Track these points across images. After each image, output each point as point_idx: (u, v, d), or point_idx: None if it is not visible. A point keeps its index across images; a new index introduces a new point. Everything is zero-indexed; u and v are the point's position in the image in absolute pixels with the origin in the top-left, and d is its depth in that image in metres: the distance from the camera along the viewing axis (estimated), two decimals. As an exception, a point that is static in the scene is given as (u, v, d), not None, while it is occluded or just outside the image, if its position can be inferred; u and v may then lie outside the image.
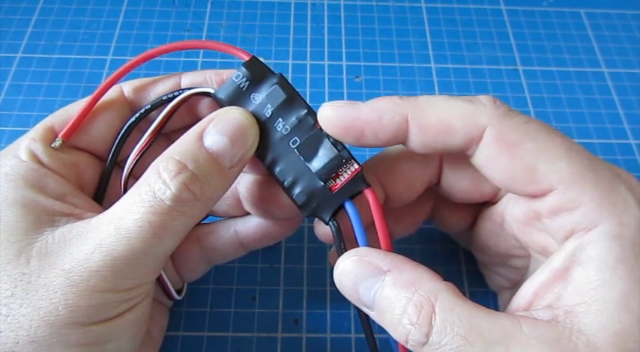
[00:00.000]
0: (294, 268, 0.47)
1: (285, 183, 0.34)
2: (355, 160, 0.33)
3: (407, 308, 0.29)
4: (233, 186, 0.37)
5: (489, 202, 0.39)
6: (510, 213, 0.37)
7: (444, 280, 0.30)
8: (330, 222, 0.33)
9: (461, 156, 0.34)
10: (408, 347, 0.29)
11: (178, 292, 0.42)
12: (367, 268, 0.31)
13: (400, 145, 0.34)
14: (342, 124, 0.33)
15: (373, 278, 0.31)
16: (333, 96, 0.58)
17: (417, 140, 0.33)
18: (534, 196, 0.32)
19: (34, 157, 0.33)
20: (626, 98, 0.59)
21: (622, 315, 0.28)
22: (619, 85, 0.60)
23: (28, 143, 0.34)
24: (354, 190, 0.33)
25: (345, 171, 0.33)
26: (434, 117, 0.32)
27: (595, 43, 0.64)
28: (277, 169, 0.34)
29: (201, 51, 0.60)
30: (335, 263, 0.33)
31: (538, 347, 0.27)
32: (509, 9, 0.67)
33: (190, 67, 0.59)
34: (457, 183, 0.38)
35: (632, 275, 0.29)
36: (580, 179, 0.31)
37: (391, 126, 0.33)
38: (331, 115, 0.33)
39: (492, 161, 0.32)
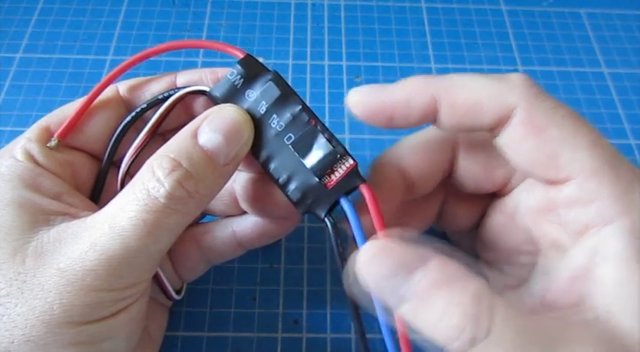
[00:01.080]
0: (294, 268, 0.47)
1: (280, 180, 0.34)
2: (350, 155, 0.33)
3: (447, 310, 0.27)
4: (229, 184, 0.37)
5: (499, 194, 0.39)
6: (525, 202, 0.36)
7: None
8: (326, 219, 0.33)
9: (474, 144, 0.34)
10: (456, 345, 0.27)
11: (177, 292, 0.42)
12: (395, 263, 0.29)
13: (417, 134, 0.35)
14: (371, 108, 0.33)
15: (403, 276, 0.28)
16: (333, 97, 0.58)
17: (446, 119, 0.33)
18: (552, 183, 0.32)
19: (30, 157, 0.33)
20: (626, 98, 0.59)
21: None
22: (619, 85, 0.60)
23: (24, 143, 0.34)
24: (349, 186, 0.33)
25: (340, 167, 0.33)
26: (463, 96, 0.32)
27: (595, 43, 0.64)
28: (272, 166, 0.34)
29: (201, 51, 0.60)
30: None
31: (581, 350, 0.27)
32: (509, 9, 0.67)
33: (190, 66, 0.59)
34: (470, 171, 0.38)
35: None
36: (600, 173, 0.30)
37: (421, 107, 0.33)
38: (360, 99, 0.33)
39: (517, 143, 0.32)
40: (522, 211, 0.37)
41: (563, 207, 0.32)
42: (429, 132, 0.37)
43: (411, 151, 0.37)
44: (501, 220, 0.39)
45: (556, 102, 0.32)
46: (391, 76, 0.60)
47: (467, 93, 0.32)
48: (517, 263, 0.39)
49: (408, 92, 0.33)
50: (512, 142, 0.32)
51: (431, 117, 0.33)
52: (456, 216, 0.42)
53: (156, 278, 0.39)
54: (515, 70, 0.61)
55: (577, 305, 0.30)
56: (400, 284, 0.28)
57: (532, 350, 0.27)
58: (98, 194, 0.37)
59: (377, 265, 0.29)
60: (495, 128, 0.33)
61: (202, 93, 0.35)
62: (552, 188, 0.33)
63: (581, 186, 0.31)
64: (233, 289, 0.46)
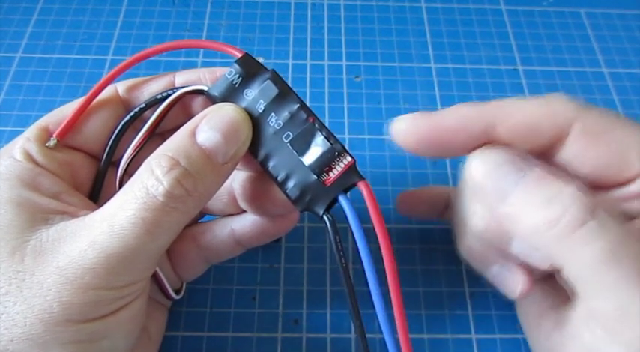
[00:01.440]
0: (294, 268, 0.47)
1: (279, 178, 0.34)
2: (348, 153, 0.33)
3: (564, 189, 0.30)
4: (228, 183, 0.37)
5: None
6: None
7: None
8: (325, 216, 0.33)
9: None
10: (553, 231, 0.29)
11: (177, 292, 0.42)
12: (517, 154, 0.32)
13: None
14: (422, 136, 0.33)
15: (522, 164, 0.31)
16: (333, 96, 0.58)
17: (505, 143, 0.33)
18: (621, 183, 0.33)
19: (29, 157, 0.34)
20: (626, 98, 0.59)
21: None
22: (619, 85, 0.60)
23: (23, 143, 0.34)
24: (347, 183, 0.33)
25: (338, 164, 0.33)
26: (521, 119, 0.33)
27: (595, 43, 0.64)
28: (270, 164, 0.34)
29: (201, 51, 0.60)
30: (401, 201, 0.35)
31: None
32: (509, 9, 0.67)
33: (190, 66, 0.58)
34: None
35: None
36: None
37: (479, 133, 0.33)
38: (408, 127, 0.33)
39: (582, 154, 0.33)
40: None
41: (635, 198, 0.33)
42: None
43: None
44: None
45: (602, 109, 0.34)
46: (391, 75, 0.60)
47: (523, 117, 0.33)
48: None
49: (463, 119, 0.33)
50: (577, 154, 0.33)
51: (483, 142, 0.34)
52: None
53: (155, 278, 0.39)
54: (515, 70, 0.61)
55: None
56: (519, 169, 0.31)
57: (634, 236, 0.29)
58: (97, 193, 0.37)
59: (497, 153, 0.32)
60: (553, 146, 0.33)
61: (201, 92, 0.36)
62: (618, 188, 0.33)
63: None
64: (233, 289, 0.46)
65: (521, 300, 0.42)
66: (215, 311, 0.45)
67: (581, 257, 0.29)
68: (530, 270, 0.35)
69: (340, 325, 0.44)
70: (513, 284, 0.40)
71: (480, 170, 0.32)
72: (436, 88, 0.59)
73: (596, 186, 0.34)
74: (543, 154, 0.34)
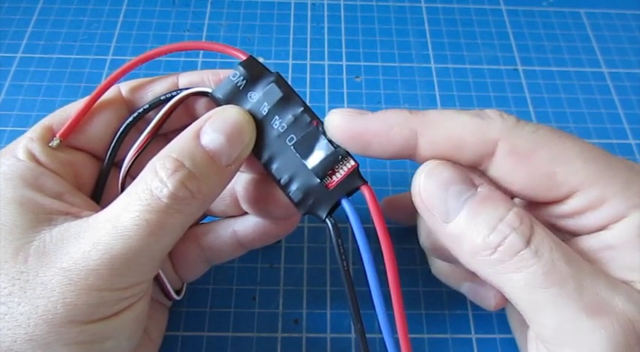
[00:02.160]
0: (294, 268, 0.47)
1: (282, 181, 0.34)
2: (351, 157, 0.33)
3: (506, 215, 0.29)
4: (231, 185, 0.37)
5: None
6: None
7: None
8: (327, 219, 0.33)
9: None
10: (493, 256, 0.29)
11: (177, 292, 0.42)
12: (462, 174, 0.31)
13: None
14: (349, 133, 0.33)
15: (466, 185, 0.31)
16: (333, 96, 0.58)
17: (426, 155, 0.33)
18: (555, 202, 0.33)
19: (32, 157, 0.34)
20: (626, 98, 0.59)
21: None
22: (619, 85, 0.60)
23: (26, 142, 0.34)
24: (350, 187, 0.33)
25: (342, 168, 0.33)
26: (444, 134, 0.32)
27: (595, 43, 0.64)
28: (274, 167, 0.34)
29: (201, 51, 0.60)
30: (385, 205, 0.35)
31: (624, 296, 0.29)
32: (509, 9, 0.67)
33: (190, 67, 0.59)
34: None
35: None
36: (599, 177, 0.31)
37: (399, 140, 0.32)
38: (339, 123, 0.33)
39: (510, 173, 0.32)
40: None
41: (570, 217, 0.32)
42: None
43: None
44: None
45: (535, 125, 0.32)
46: (391, 75, 0.60)
47: (447, 131, 0.32)
48: None
49: (389, 123, 0.33)
50: (504, 173, 0.32)
51: (409, 152, 0.33)
52: None
53: (156, 279, 0.39)
54: (515, 70, 0.61)
55: None
56: (464, 190, 0.31)
57: (571, 265, 0.29)
58: (99, 194, 0.37)
59: (445, 170, 0.31)
60: (480, 164, 0.33)
61: (204, 94, 0.36)
62: (553, 205, 0.33)
63: (586, 195, 0.31)
64: (233, 289, 0.46)
65: (509, 306, 0.42)
66: (215, 311, 0.45)
67: (516, 282, 0.29)
68: None
69: (340, 325, 0.44)
70: (487, 299, 0.40)
71: (425, 188, 0.31)
72: (436, 88, 0.59)
73: (532, 203, 0.34)
74: (471, 169, 0.34)
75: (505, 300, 0.38)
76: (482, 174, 0.33)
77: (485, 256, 0.29)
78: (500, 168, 0.32)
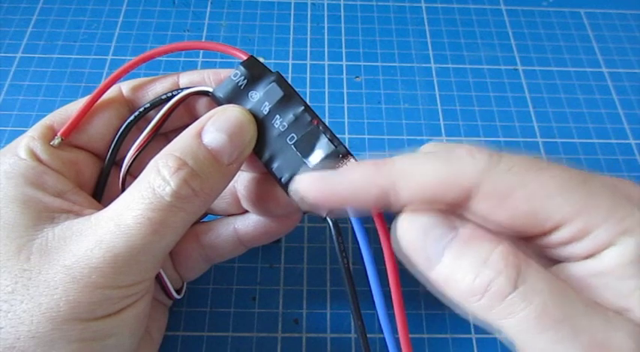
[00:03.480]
0: (294, 268, 0.47)
1: (283, 180, 0.34)
2: (352, 155, 0.33)
3: (490, 256, 0.28)
4: (231, 184, 0.37)
5: None
6: None
7: None
8: (328, 218, 0.33)
9: None
10: (481, 302, 0.28)
11: (178, 291, 0.42)
12: (441, 217, 0.30)
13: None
14: (320, 199, 0.32)
15: (446, 228, 0.30)
16: (333, 96, 0.58)
17: (400, 208, 0.32)
18: (539, 236, 0.32)
19: (34, 155, 0.34)
20: (626, 98, 0.59)
21: None
22: (619, 85, 0.60)
23: (28, 141, 0.34)
24: None
25: (342, 167, 0.33)
26: (415, 186, 0.31)
27: (595, 43, 0.64)
28: (274, 166, 0.34)
29: (201, 51, 0.60)
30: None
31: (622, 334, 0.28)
32: (509, 9, 0.67)
33: (190, 66, 0.59)
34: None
35: None
36: (581, 208, 0.30)
37: (370, 199, 0.31)
38: (309, 188, 0.32)
39: (490, 215, 0.31)
40: None
41: (556, 247, 0.32)
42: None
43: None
44: None
45: (510, 161, 0.31)
46: (391, 75, 0.60)
47: (417, 184, 0.31)
48: None
49: (355, 183, 0.31)
50: (485, 215, 0.32)
51: (385, 205, 0.32)
52: None
53: (157, 277, 0.39)
54: (515, 70, 0.61)
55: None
56: (444, 234, 0.30)
57: (569, 305, 0.28)
58: (100, 192, 0.37)
59: (421, 218, 0.30)
60: (458, 208, 0.31)
61: (205, 93, 0.36)
62: (539, 238, 0.32)
63: (570, 228, 0.30)
64: (233, 289, 0.46)
65: None
66: (215, 311, 0.45)
67: (510, 326, 0.29)
68: None
69: (340, 325, 0.44)
70: None
71: (404, 235, 0.30)
72: (436, 88, 0.59)
73: (517, 237, 0.33)
74: (451, 211, 0.33)
75: None
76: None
77: (474, 302, 0.29)
78: (480, 210, 0.31)
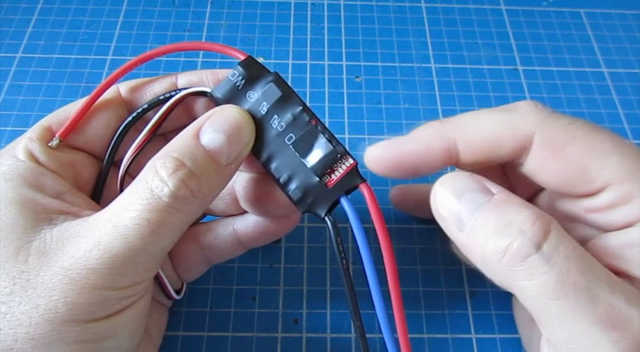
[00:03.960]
0: (294, 268, 0.47)
1: (281, 180, 0.34)
2: (350, 155, 0.33)
3: (517, 217, 0.29)
4: (230, 184, 0.37)
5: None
6: (551, 211, 0.36)
7: None
8: (326, 218, 0.33)
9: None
10: (502, 262, 0.29)
11: (177, 292, 0.42)
12: (475, 182, 0.31)
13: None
14: (391, 164, 0.34)
15: (481, 193, 0.31)
16: (333, 96, 0.58)
17: (467, 159, 0.34)
18: (587, 195, 0.33)
19: (32, 156, 0.34)
20: (626, 98, 0.59)
21: None
22: (619, 85, 0.60)
23: (26, 142, 0.34)
24: (349, 185, 0.33)
25: (341, 166, 0.33)
26: (480, 135, 0.33)
27: (595, 43, 0.64)
28: (273, 166, 0.34)
29: (201, 51, 0.60)
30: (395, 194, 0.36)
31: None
32: (509, 9, 0.67)
33: (190, 66, 0.59)
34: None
35: None
36: (632, 173, 0.31)
37: (441, 154, 0.33)
38: (379, 155, 0.34)
39: (543, 167, 0.32)
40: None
41: (601, 211, 0.32)
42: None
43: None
44: None
45: (570, 118, 0.33)
46: (391, 75, 0.60)
47: (482, 132, 0.33)
48: None
49: (425, 142, 0.34)
50: (538, 167, 0.33)
51: (453, 160, 0.34)
52: None
53: (156, 278, 0.39)
54: (515, 70, 0.61)
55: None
56: (478, 197, 0.30)
57: (592, 278, 0.28)
58: (99, 193, 0.37)
59: (459, 180, 0.31)
60: (518, 158, 0.33)
61: (203, 94, 0.36)
62: (584, 199, 0.33)
63: (618, 189, 0.31)
64: (233, 289, 0.46)
65: (515, 302, 0.42)
66: (215, 311, 0.45)
67: (528, 290, 0.29)
68: None
69: (340, 325, 0.44)
70: None
71: (439, 197, 0.32)
72: (436, 88, 0.59)
73: (564, 195, 0.35)
74: (509, 165, 0.34)
75: None
76: (511, 173, 0.33)
77: (495, 262, 0.29)
78: (535, 161, 0.33)
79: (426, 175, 0.35)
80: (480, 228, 0.30)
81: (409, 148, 0.34)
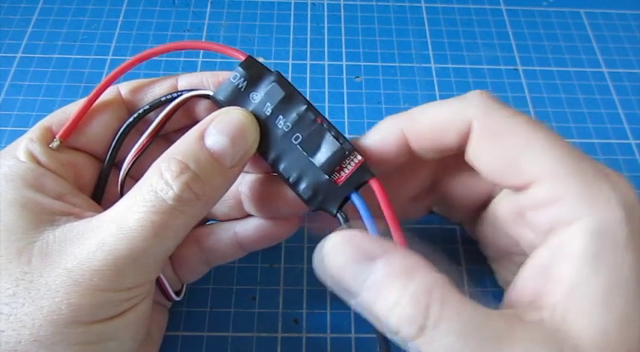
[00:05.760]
0: (294, 268, 0.47)
1: (291, 180, 0.34)
2: (358, 152, 0.34)
3: (401, 298, 0.28)
4: (233, 187, 0.37)
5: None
6: (500, 209, 0.38)
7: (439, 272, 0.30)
8: (338, 214, 0.34)
9: (454, 166, 0.36)
10: (397, 338, 0.29)
11: (177, 293, 0.42)
12: (359, 252, 0.30)
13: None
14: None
15: (365, 264, 0.29)
16: (333, 96, 0.58)
17: (415, 146, 0.34)
18: (518, 189, 0.33)
19: (32, 157, 0.34)
20: (626, 98, 0.59)
21: (603, 314, 0.28)
22: (619, 85, 0.60)
23: (26, 143, 0.34)
24: (359, 181, 0.34)
25: (349, 163, 0.33)
26: (426, 122, 0.34)
27: (595, 43, 0.64)
28: (281, 166, 0.34)
29: (201, 51, 0.60)
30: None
31: (527, 350, 0.27)
32: (509, 9, 0.67)
33: (190, 66, 0.59)
34: (453, 190, 0.40)
35: (613, 273, 0.28)
36: (561, 173, 0.31)
37: (395, 145, 0.34)
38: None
39: (480, 153, 0.33)
40: (500, 217, 0.38)
41: (531, 210, 0.33)
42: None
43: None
44: (490, 223, 0.40)
45: (513, 111, 0.33)
46: (391, 75, 0.60)
47: (428, 119, 0.34)
48: (513, 261, 0.39)
49: (381, 134, 0.35)
50: (476, 153, 0.33)
51: (406, 150, 0.35)
52: (451, 212, 0.44)
53: (156, 280, 0.39)
54: (515, 70, 0.61)
55: (533, 303, 0.30)
56: (361, 271, 0.29)
57: (477, 344, 0.27)
58: (100, 195, 0.37)
59: (341, 252, 0.30)
60: (464, 145, 0.34)
61: (206, 97, 0.36)
62: (520, 193, 0.33)
63: (545, 187, 0.31)
64: (233, 289, 0.46)
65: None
66: (215, 311, 0.45)
67: None
68: None
69: (340, 325, 0.44)
70: None
71: (333, 266, 0.30)
72: (436, 88, 0.59)
73: (496, 184, 0.36)
74: (458, 153, 0.35)
75: None
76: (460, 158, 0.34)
77: (392, 336, 0.29)
78: (473, 148, 0.33)
79: (390, 169, 0.36)
80: (374, 302, 0.29)
81: (367, 142, 0.35)
